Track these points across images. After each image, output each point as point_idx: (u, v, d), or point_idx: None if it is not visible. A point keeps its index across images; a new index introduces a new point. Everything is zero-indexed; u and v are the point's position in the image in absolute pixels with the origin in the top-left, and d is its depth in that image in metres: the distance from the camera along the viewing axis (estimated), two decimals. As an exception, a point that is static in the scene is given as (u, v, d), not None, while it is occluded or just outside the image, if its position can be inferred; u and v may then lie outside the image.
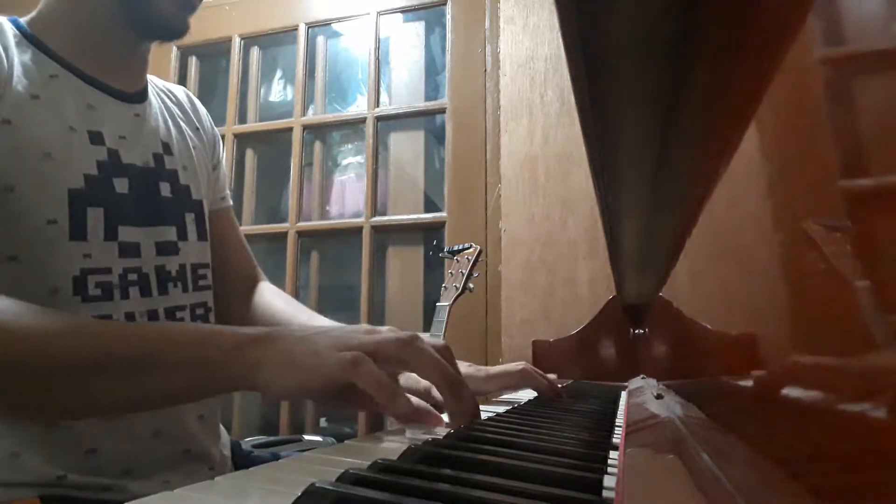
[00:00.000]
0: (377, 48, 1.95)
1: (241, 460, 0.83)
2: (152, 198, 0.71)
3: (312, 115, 2.07)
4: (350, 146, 2.17)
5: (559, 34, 0.22)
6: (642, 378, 1.14)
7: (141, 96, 0.74)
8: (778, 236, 0.25)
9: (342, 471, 0.28)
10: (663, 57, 0.24)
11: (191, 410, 0.71)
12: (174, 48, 2.12)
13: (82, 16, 0.68)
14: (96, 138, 0.66)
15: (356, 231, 1.91)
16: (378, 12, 1.96)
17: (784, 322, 0.24)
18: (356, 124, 2.03)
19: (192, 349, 0.48)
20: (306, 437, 1.49)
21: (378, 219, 1.89)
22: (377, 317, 1.88)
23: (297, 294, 1.95)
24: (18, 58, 0.62)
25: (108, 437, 0.62)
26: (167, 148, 0.75)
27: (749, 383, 0.31)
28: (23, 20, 0.66)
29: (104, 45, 0.69)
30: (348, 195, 2.08)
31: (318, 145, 2.08)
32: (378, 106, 1.95)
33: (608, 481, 0.30)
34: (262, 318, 0.86)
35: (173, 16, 0.69)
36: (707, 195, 0.35)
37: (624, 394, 0.95)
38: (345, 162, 2.16)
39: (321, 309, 2.05)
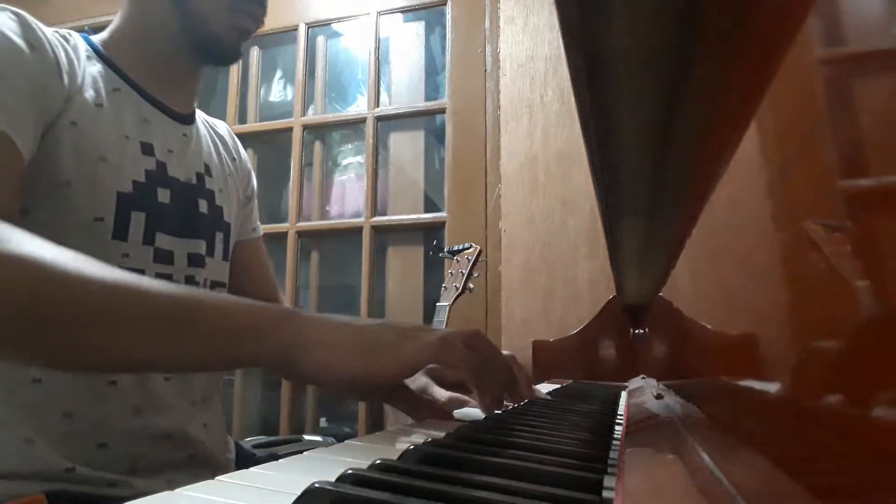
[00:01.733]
0: (377, 48, 1.95)
1: (243, 461, 0.84)
2: (190, 212, 0.76)
3: (312, 115, 2.07)
4: (350, 146, 2.17)
5: (559, 34, 0.22)
6: (642, 378, 1.14)
7: (190, 119, 0.80)
8: (778, 236, 0.25)
9: (342, 471, 0.28)
10: (663, 57, 0.24)
11: (196, 418, 0.73)
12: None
13: (148, 39, 0.75)
14: (147, 149, 0.71)
15: (356, 231, 1.91)
16: (378, 12, 1.96)
17: (784, 322, 0.24)
18: (356, 124, 2.03)
19: (240, 317, 0.48)
20: (306, 437, 1.49)
21: (378, 219, 1.89)
22: (377, 317, 1.88)
23: (297, 294, 1.95)
24: (88, 70, 0.69)
25: (120, 434, 0.65)
26: (208, 169, 0.81)
27: (749, 383, 0.31)
28: (94, 38, 0.74)
29: (164, 66, 0.76)
30: (348, 195, 2.08)
31: (318, 145, 2.08)
32: (378, 106, 1.95)
33: (608, 481, 0.30)
34: None
35: (228, 41, 0.75)
36: (707, 195, 0.35)
37: (624, 394, 0.95)
38: (345, 162, 2.16)
39: (321, 309, 2.06)
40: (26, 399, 0.62)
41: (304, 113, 2.04)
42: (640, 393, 0.90)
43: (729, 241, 0.34)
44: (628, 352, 1.40)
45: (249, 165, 0.95)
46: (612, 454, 0.39)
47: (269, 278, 0.96)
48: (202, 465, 0.73)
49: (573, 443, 0.42)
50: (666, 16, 0.21)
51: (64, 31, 0.70)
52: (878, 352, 0.15)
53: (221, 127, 0.92)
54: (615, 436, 0.48)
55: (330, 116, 2.09)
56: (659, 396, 0.73)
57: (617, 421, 0.59)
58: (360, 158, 2.10)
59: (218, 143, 0.87)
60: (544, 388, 0.99)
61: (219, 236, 0.80)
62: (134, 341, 0.46)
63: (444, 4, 1.89)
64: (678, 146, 0.31)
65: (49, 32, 0.65)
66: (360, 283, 1.87)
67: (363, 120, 1.95)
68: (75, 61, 0.67)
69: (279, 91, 2.33)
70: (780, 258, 0.24)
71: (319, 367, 0.47)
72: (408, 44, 2.05)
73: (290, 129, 2.03)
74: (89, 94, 0.67)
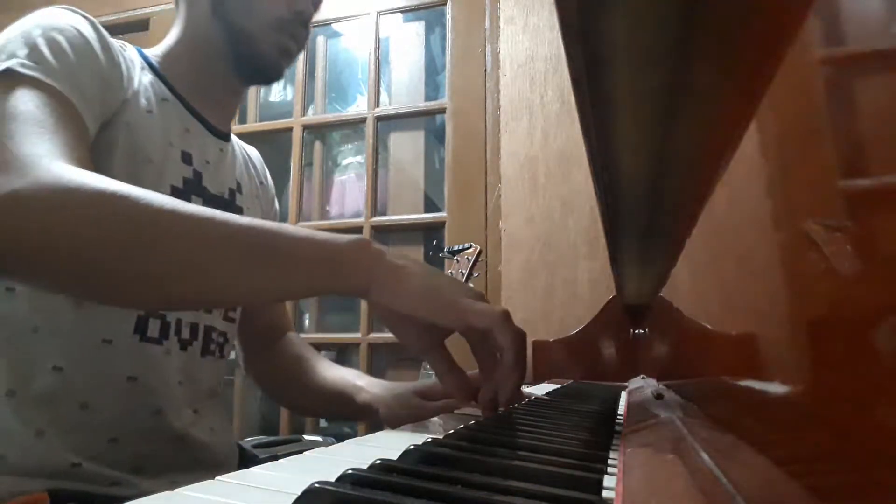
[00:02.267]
0: (377, 48, 1.95)
1: (244, 461, 0.84)
2: None
3: (312, 115, 2.07)
4: (350, 146, 2.17)
5: (559, 34, 0.22)
6: (642, 378, 1.14)
7: (226, 136, 0.84)
8: (778, 236, 0.25)
9: (342, 471, 0.28)
10: (663, 57, 0.24)
11: (204, 421, 0.74)
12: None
13: (197, 56, 0.79)
14: (186, 158, 0.75)
15: (356, 231, 1.90)
16: (378, 12, 1.96)
17: (784, 322, 0.24)
18: (356, 124, 2.03)
19: (320, 246, 0.51)
20: (306, 437, 1.49)
21: (378, 219, 1.89)
22: (377, 317, 1.87)
23: (297, 294, 1.95)
24: (142, 79, 0.73)
25: (131, 431, 0.66)
26: (239, 187, 0.85)
27: (749, 383, 0.31)
28: (147, 52, 0.78)
29: (209, 83, 0.80)
30: (348, 195, 2.08)
31: (318, 145, 2.08)
32: (378, 106, 1.95)
33: (608, 481, 0.30)
34: (289, 364, 0.96)
35: (272, 61, 0.78)
36: (707, 195, 0.35)
37: (624, 394, 0.95)
38: (345, 162, 2.16)
39: (321, 309, 2.06)
40: (44, 387, 0.63)
41: (304, 113, 2.03)
42: (640, 393, 0.90)
43: (729, 241, 0.34)
44: (628, 352, 1.40)
45: (274, 192, 1.00)
46: (612, 454, 0.39)
47: (279, 305, 1.00)
48: (206, 468, 0.73)
49: (573, 443, 0.42)
50: (665, 15, 0.21)
51: (121, 42, 0.75)
52: (878, 352, 0.15)
53: (252, 151, 0.97)
54: (615, 436, 0.48)
55: (330, 116, 2.09)
56: (659, 396, 0.73)
57: (617, 421, 0.59)
58: (360, 158, 2.10)
59: (249, 164, 0.92)
60: (544, 388, 0.99)
61: None
62: (225, 267, 0.49)
63: (444, 4, 1.89)
64: (678, 146, 0.31)
65: (113, 40, 0.70)
66: (360, 283, 1.87)
67: (363, 120, 1.95)
68: (132, 69, 0.72)
69: (279, 91, 2.33)
70: (780, 258, 0.24)
71: (389, 297, 0.50)
72: (408, 44, 2.05)
73: (290, 129, 2.03)
74: (142, 100, 0.71)
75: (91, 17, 0.68)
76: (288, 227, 0.54)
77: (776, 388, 0.26)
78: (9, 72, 0.57)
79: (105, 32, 0.68)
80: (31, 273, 0.50)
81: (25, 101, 0.56)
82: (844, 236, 0.18)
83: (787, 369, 0.24)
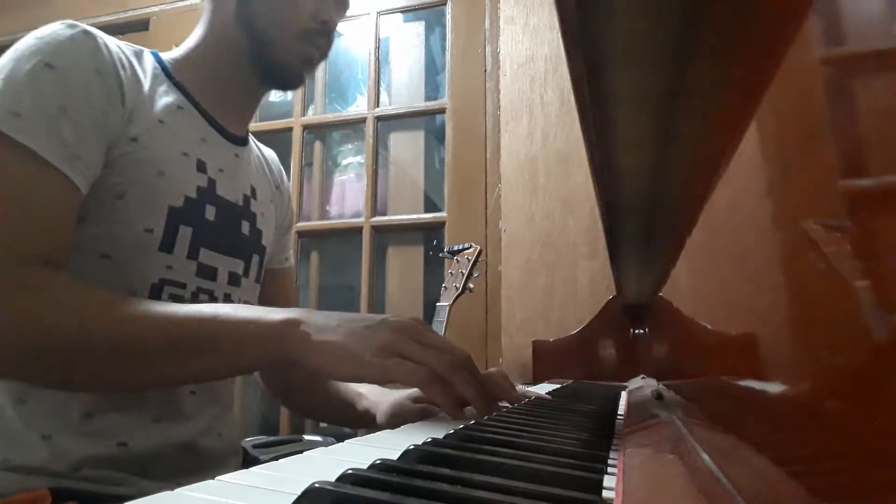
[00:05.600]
0: (377, 48, 1.95)
1: (245, 462, 0.84)
2: (233, 231, 0.78)
3: (312, 115, 2.07)
4: (350, 146, 2.17)
5: (559, 34, 0.22)
6: (642, 378, 1.14)
7: (243, 141, 0.83)
8: (778, 236, 0.25)
9: (342, 471, 0.28)
10: (663, 57, 0.24)
11: (213, 428, 0.74)
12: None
13: (217, 61, 0.77)
14: (201, 167, 0.73)
15: (356, 231, 1.91)
16: (378, 12, 1.96)
17: (784, 322, 0.24)
18: (356, 124, 2.03)
19: (249, 329, 0.56)
20: (306, 437, 1.49)
21: (378, 219, 1.89)
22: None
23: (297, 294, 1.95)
24: (155, 87, 0.71)
25: (141, 437, 0.66)
26: (254, 192, 0.83)
27: (749, 383, 0.31)
28: (164, 56, 0.76)
29: (227, 88, 0.79)
30: (348, 195, 2.08)
31: (318, 145, 2.08)
32: (378, 106, 1.95)
33: (608, 481, 0.30)
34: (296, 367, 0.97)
35: (293, 69, 0.77)
36: (707, 195, 0.35)
37: (624, 394, 0.95)
38: (345, 162, 2.16)
39: (321, 308, 2.05)
40: (50, 398, 0.63)
41: (304, 113, 2.03)
42: (640, 393, 0.90)
43: (729, 241, 0.34)
44: (628, 352, 1.40)
45: (290, 195, 0.99)
46: (612, 454, 0.39)
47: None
48: (211, 473, 0.73)
49: (573, 443, 0.42)
50: (666, 16, 0.21)
51: (136, 48, 0.73)
52: (878, 351, 0.15)
53: (270, 154, 0.95)
54: (615, 436, 0.48)
55: (330, 116, 2.09)
56: (659, 396, 0.73)
57: (617, 421, 0.59)
58: (360, 158, 2.10)
59: (265, 168, 0.90)
60: (544, 388, 0.99)
61: (255, 258, 0.82)
62: (157, 365, 0.57)
63: (444, 4, 1.89)
64: (678, 146, 0.31)
65: (115, 50, 0.66)
66: (360, 283, 1.87)
67: (363, 120, 1.95)
68: (141, 79, 0.69)
69: (279, 91, 2.32)
70: (780, 258, 0.24)
71: (319, 370, 0.55)
72: (408, 44, 2.05)
73: (290, 129, 2.03)
74: (153, 111, 0.69)
75: (86, 27, 0.64)
76: (231, 313, 0.58)
77: (776, 388, 0.26)
78: None
79: (104, 42, 0.65)
80: None
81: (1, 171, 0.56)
82: (844, 236, 0.18)
83: (787, 369, 0.24)
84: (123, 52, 0.68)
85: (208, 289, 0.73)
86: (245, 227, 0.79)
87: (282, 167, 0.97)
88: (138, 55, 0.72)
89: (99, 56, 0.64)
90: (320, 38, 0.77)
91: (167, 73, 0.74)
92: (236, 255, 0.77)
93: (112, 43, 0.67)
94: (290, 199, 0.99)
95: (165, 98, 0.71)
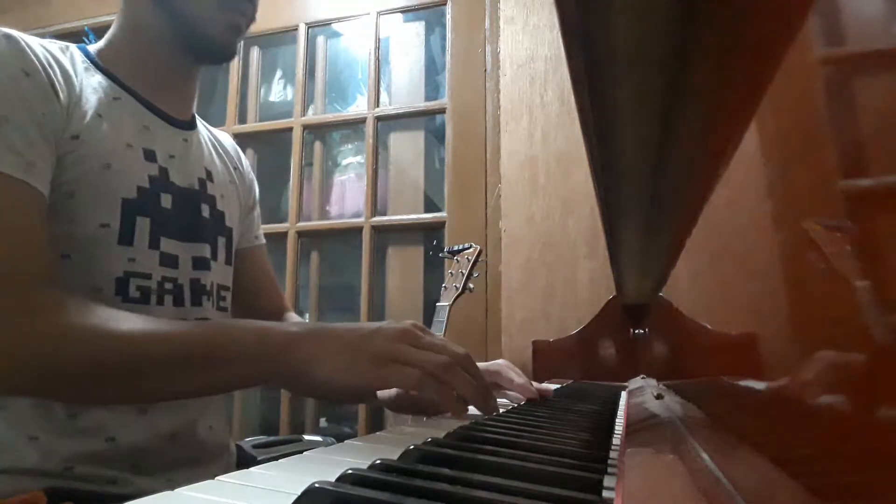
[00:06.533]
0: (377, 48, 1.95)
1: (244, 461, 0.84)
2: (193, 216, 0.77)
3: (312, 115, 2.07)
4: (350, 146, 2.17)
5: (559, 34, 0.22)
6: (642, 378, 1.14)
7: (189, 125, 0.81)
8: (778, 236, 0.25)
9: (342, 471, 0.28)
10: (663, 57, 0.24)
11: (202, 420, 0.74)
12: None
13: (142, 46, 0.75)
14: (150, 156, 0.72)
15: (356, 231, 1.91)
16: (378, 12, 1.96)
17: (784, 322, 0.24)
18: (356, 124, 2.03)
19: (251, 345, 0.57)
20: (306, 437, 1.49)
21: (378, 219, 1.89)
22: (377, 317, 1.88)
23: (297, 294, 1.95)
24: (87, 81, 0.69)
25: (130, 428, 0.66)
26: (209, 175, 0.82)
27: (749, 383, 0.31)
28: (91, 48, 0.74)
29: (161, 72, 0.76)
30: (348, 195, 2.08)
31: (318, 145, 2.08)
32: (378, 106, 1.95)
33: (608, 481, 0.30)
34: None
35: (222, 40, 0.75)
36: (707, 195, 0.35)
37: (624, 394, 0.95)
38: (345, 162, 2.16)
39: (321, 309, 2.06)
40: (31, 401, 0.62)
41: (304, 113, 2.03)
42: (640, 393, 0.90)
43: (729, 241, 0.34)
44: (628, 352, 1.40)
45: (252, 176, 0.97)
46: (612, 454, 0.39)
47: (274, 287, 0.99)
48: (202, 466, 0.73)
49: (573, 443, 0.42)
50: (666, 16, 0.21)
51: (61, 44, 0.70)
52: (878, 351, 0.15)
53: (224, 137, 0.93)
54: (615, 436, 0.48)
55: (330, 116, 2.09)
56: (659, 396, 0.73)
57: (617, 421, 0.59)
58: (360, 158, 2.10)
59: (220, 150, 0.88)
60: (544, 387, 0.99)
61: (221, 241, 0.81)
62: (166, 382, 0.58)
63: (444, 4, 1.88)
64: (678, 146, 0.31)
65: (40, 50, 0.64)
66: (360, 283, 1.87)
67: (363, 120, 1.95)
68: (72, 75, 0.67)
69: (279, 91, 2.32)
70: (780, 258, 0.24)
71: (321, 382, 0.56)
72: (408, 44, 2.05)
73: (290, 129, 2.02)
74: (89, 105, 0.67)
75: (5, 30, 0.61)
76: (233, 328, 0.61)
77: (776, 388, 0.26)
78: None
79: (26, 43, 0.63)
80: None
81: None
82: (844, 236, 0.18)
83: (787, 369, 0.24)
84: (48, 51, 0.66)
85: (173, 276, 0.72)
86: (205, 211, 0.78)
87: (238, 149, 0.95)
88: (64, 51, 0.69)
89: (24, 58, 0.61)
90: (242, 4, 0.74)
91: (97, 65, 0.72)
92: (200, 239, 0.76)
93: (35, 43, 0.64)
94: (253, 179, 0.97)
95: (100, 90, 0.69)
